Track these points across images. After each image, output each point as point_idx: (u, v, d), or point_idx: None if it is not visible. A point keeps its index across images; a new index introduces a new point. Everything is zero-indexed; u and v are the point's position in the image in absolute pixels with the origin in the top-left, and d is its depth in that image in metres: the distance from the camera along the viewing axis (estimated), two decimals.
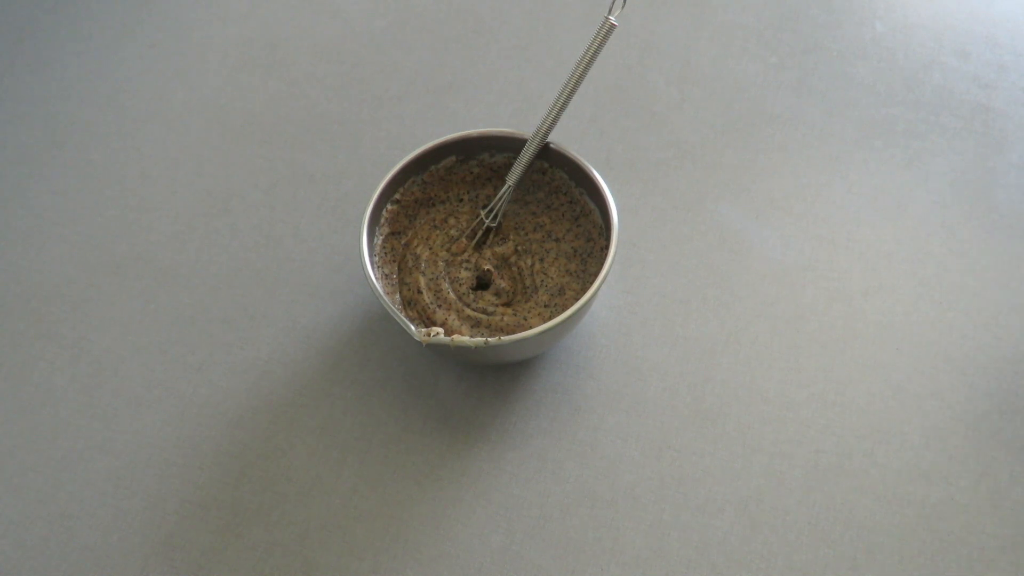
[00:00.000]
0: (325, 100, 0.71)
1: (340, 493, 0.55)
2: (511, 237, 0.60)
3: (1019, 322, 0.59)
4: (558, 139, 0.59)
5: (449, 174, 0.60)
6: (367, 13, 0.76)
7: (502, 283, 0.58)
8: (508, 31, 0.74)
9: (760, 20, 0.74)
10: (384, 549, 0.53)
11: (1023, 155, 0.66)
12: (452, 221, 0.60)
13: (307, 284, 0.62)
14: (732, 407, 0.57)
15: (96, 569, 0.53)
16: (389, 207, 0.59)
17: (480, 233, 0.59)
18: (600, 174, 0.57)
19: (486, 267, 0.58)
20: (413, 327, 0.51)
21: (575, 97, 0.57)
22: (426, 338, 0.51)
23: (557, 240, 0.59)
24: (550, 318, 0.55)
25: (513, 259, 0.59)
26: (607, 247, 0.54)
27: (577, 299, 0.53)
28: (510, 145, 0.59)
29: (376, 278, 0.54)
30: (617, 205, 0.56)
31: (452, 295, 0.57)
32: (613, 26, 0.54)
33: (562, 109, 0.56)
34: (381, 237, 0.58)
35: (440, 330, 0.52)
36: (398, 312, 0.52)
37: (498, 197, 0.58)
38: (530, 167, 0.59)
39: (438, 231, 0.60)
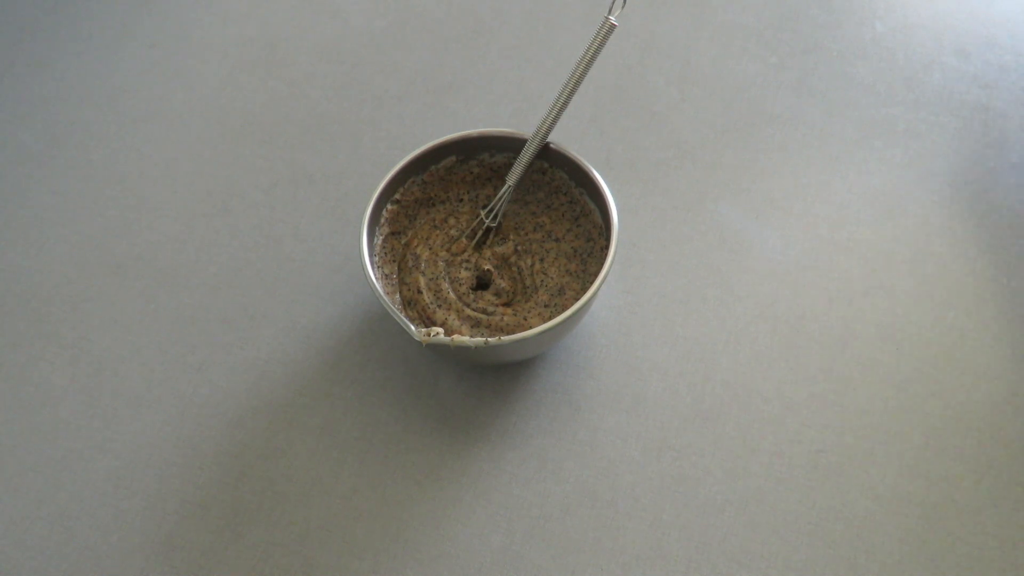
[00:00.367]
0: (325, 100, 0.71)
1: (340, 493, 0.55)
2: (511, 237, 0.60)
3: (1019, 322, 0.59)
4: (558, 139, 0.59)
5: (449, 174, 0.60)
6: (367, 13, 0.76)
7: (502, 283, 0.58)
8: (508, 31, 0.74)
9: (760, 20, 0.74)
10: (384, 549, 0.53)
11: (1023, 155, 0.66)
12: (452, 221, 0.60)
13: (307, 284, 0.62)
14: (732, 407, 0.57)
15: (96, 569, 0.53)
16: (389, 207, 0.59)
17: (480, 233, 0.59)
18: (600, 174, 0.57)
19: (486, 267, 0.58)
20: (413, 327, 0.51)
21: (575, 97, 0.57)
22: (426, 338, 0.51)
23: (557, 240, 0.59)
24: (550, 318, 0.55)
25: (513, 259, 0.59)
26: (607, 247, 0.54)
27: (577, 299, 0.53)
28: (510, 145, 0.59)
29: (376, 278, 0.54)
30: (617, 205, 0.56)
31: (452, 295, 0.57)
32: (613, 26, 0.54)
33: (562, 109, 0.56)
34: (381, 237, 0.58)
35: (440, 330, 0.52)
36: (398, 312, 0.52)
37: (498, 197, 0.58)
38: (530, 167, 0.59)
39: (438, 231, 0.60)
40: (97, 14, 0.76)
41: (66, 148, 0.69)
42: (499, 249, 0.59)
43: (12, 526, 0.54)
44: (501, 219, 0.60)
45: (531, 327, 0.54)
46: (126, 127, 0.70)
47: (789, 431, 0.56)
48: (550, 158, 0.59)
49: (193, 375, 0.59)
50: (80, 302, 0.62)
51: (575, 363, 0.59)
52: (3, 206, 0.66)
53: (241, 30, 0.75)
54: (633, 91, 0.71)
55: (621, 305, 0.61)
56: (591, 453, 0.56)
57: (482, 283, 0.58)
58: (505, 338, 0.50)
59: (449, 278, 0.58)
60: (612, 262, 0.53)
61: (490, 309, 0.56)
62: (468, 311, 0.56)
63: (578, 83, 0.56)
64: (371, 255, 0.56)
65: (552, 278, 0.58)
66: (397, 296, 0.57)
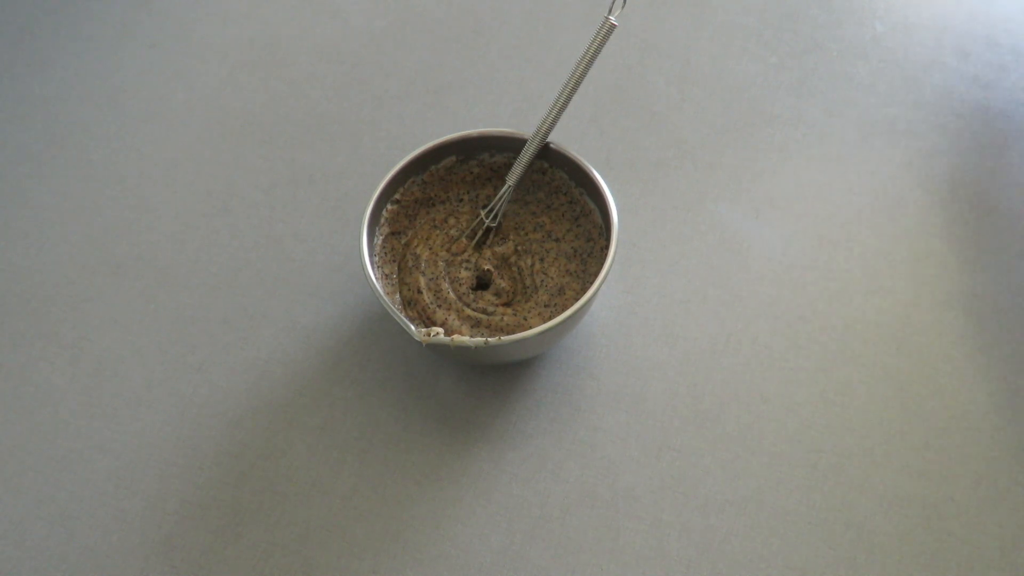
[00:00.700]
0: (325, 100, 0.71)
1: (340, 493, 0.55)
2: (511, 237, 0.60)
3: (1019, 322, 0.59)
4: (558, 139, 0.59)
5: (449, 174, 0.60)
6: (367, 13, 0.76)
7: (502, 283, 0.58)
8: (508, 31, 0.74)
9: (760, 20, 0.74)
10: (384, 549, 0.53)
11: (1023, 155, 0.66)
12: (452, 221, 0.60)
13: (307, 284, 0.62)
14: (732, 407, 0.57)
15: (96, 569, 0.53)
16: (389, 207, 0.59)
17: (480, 233, 0.59)
18: (600, 174, 0.57)
19: (486, 267, 0.58)
20: (413, 327, 0.51)
21: (575, 97, 0.57)
22: (426, 338, 0.51)
23: (557, 240, 0.59)
24: (550, 318, 0.55)
25: (513, 259, 0.59)
26: (607, 247, 0.54)
27: (577, 299, 0.53)
28: (510, 145, 0.59)
29: (376, 278, 0.54)
30: (617, 205, 0.56)
31: (452, 295, 0.57)
32: (613, 26, 0.54)
33: (562, 109, 0.56)
34: (381, 237, 0.58)
35: (440, 330, 0.52)
36: (398, 312, 0.52)
37: (498, 197, 0.58)
38: (530, 167, 0.59)
39: (438, 231, 0.60)
40: (97, 14, 0.76)
41: (66, 148, 0.69)
42: (499, 249, 0.59)
43: (12, 526, 0.54)
44: (501, 219, 0.60)
45: (531, 327, 0.54)
46: (126, 127, 0.70)
47: (789, 431, 0.56)
48: (550, 158, 0.59)
49: (193, 375, 0.59)
50: (80, 302, 0.62)
51: (575, 363, 0.59)
52: (3, 206, 0.66)
53: (241, 30, 0.75)
54: (633, 91, 0.71)
55: (621, 305, 0.61)
56: (591, 453, 0.56)
57: (482, 283, 0.58)
58: (505, 338, 0.50)
59: (449, 278, 0.58)
60: (612, 262, 0.53)
61: (490, 309, 0.56)
62: (468, 311, 0.56)
63: (578, 83, 0.56)
64: (371, 255, 0.56)
65: (552, 278, 0.58)
66: (397, 296, 0.57)
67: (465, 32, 0.74)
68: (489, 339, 0.50)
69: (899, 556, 0.52)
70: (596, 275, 0.53)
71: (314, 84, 0.72)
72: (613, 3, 0.55)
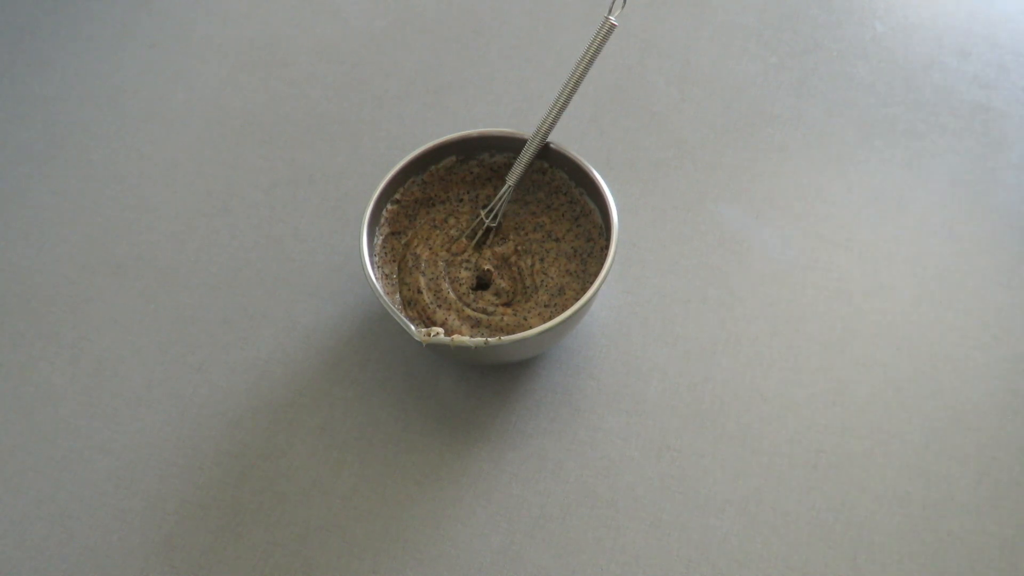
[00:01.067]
0: (325, 100, 0.71)
1: (340, 493, 0.55)
2: (511, 237, 0.60)
3: (1019, 322, 0.59)
4: (558, 139, 0.59)
5: (449, 174, 0.60)
6: (367, 13, 0.76)
7: (502, 283, 0.58)
8: (508, 31, 0.74)
9: (760, 20, 0.74)
10: (384, 549, 0.53)
11: (1023, 155, 0.66)
12: (452, 221, 0.60)
13: (307, 284, 0.62)
14: (732, 407, 0.57)
15: (96, 569, 0.53)
16: (389, 207, 0.59)
17: (480, 233, 0.59)
18: (600, 174, 0.57)
19: (486, 267, 0.58)
20: (413, 327, 0.51)
21: (575, 97, 0.57)
22: (426, 338, 0.51)
23: (557, 240, 0.59)
24: (550, 318, 0.54)
25: (513, 259, 0.59)
26: (607, 247, 0.54)
27: (577, 299, 0.53)
28: (510, 145, 0.59)
29: (376, 278, 0.54)
30: (617, 205, 0.56)
31: (452, 295, 0.57)
32: (613, 26, 0.54)
33: (562, 109, 0.56)
34: (381, 237, 0.58)
35: (440, 330, 0.52)
36: (398, 312, 0.52)
37: (498, 197, 0.58)
38: (530, 167, 0.59)
39: (438, 231, 0.60)
40: (97, 14, 0.76)
41: (66, 148, 0.69)
42: (499, 249, 0.59)
43: (12, 526, 0.54)
44: (501, 219, 0.60)
45: (531, 327, 0.54)
46: (126, 127, 0.70)
47: (789, 431, 0.56)
48: (550, 158, 0.59)
49: (193, 375, 0.59)
50: (80, 302, 0.62)
51: (575, 363, 0.59)
52: (3, 206, 0.66)
53: (241, 30, 0.75)
54: (633, 91, 0.71)
55: (621, 305, 0.61)
56: (591, 453, 0.56)
57: (482, 283, 0.58)
58: (505, 338, 0.50)
59: (449, 278, 0.58)
60: (612, 262, 0.53)
61: (490, 309, 0.56)
62: (468, 311, 0.56)
63: (578, 83, 0.56)
64: (371, 255, 0.56)
65: (552, 278, 0.58)
66: (397, 296, 0.57)
67: (465, 32, 0.74)
68: (489, 339, 0.50)
69: (899, 556, 0.52)
70: (596, 275, 0.53)
71: (314, 84, 0.72)
72: (613, 3, 0.55)
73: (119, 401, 0.58)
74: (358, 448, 0.56)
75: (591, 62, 0.55)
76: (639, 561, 0.52)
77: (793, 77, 0.71)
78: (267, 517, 0.54)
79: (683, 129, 0.68)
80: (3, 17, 0.76)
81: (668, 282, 0.62)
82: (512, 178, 0.58)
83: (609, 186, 0.56)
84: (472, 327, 0.56)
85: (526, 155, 0.57)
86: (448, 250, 0.59)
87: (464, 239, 0.59)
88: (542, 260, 0.59)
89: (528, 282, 0.58)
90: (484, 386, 0.58)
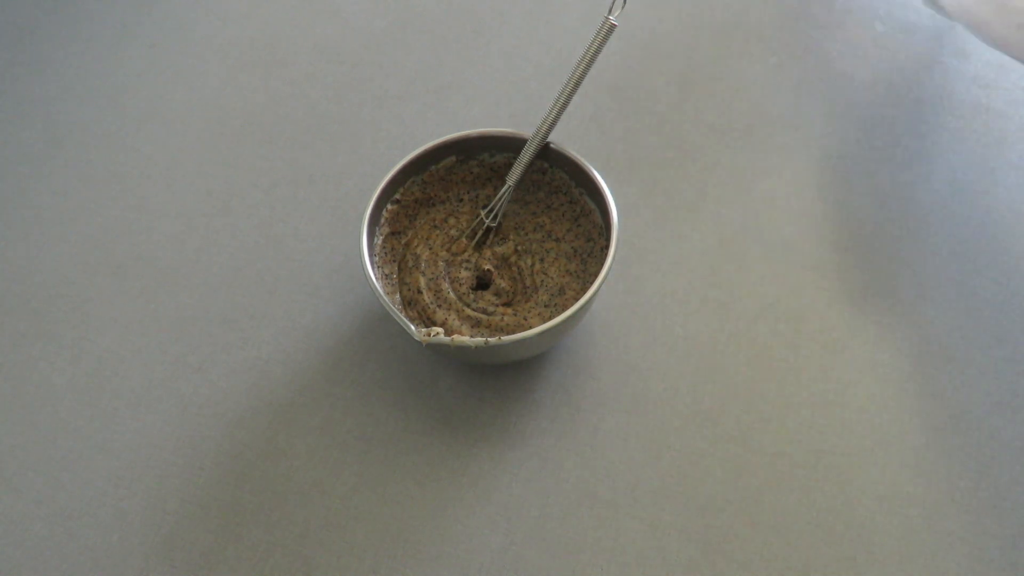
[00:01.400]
0: (325, 100, 0.71)
1: (340, 493, 0.55)
2: (511, 237, 0.60)
3: (1019, 322, 0.59)
4: (558, 139, 0.59)
5: (449, 174, 0.60)
6: (367, 13, 0.76)
7: (502, 283, 0.58)
8: (508, 31, 0.74)
9: (760, 20, 0.74)
10: (384, 549, 0.53)
11: (1023, 155, 0.66)
12: (452, 221, 0.60)
13: (307, 284, 0.62)
14: (732, 407, 0.57)
15: (96, 569, 0.53)
16: (389, 207, 0.59)
17: (480, 233, 0.59)
18: (600, 174, 0.57)
19: (486, 267, 0.58)
20: (413, 327, 0.51)
21: (575, 97, 0.57)
22: (426, 338, 0.51)
23: (557, 240, 0.59)
24: (550, 318, 0.54)
25: (513, 259, 0.59)
26: (607, 247, 0.54)
27: (577, 299, 0.53)
28: (510, 145, 0.59)
29: (376, 278, 0.54)
30: (617, 205, 0.56)
31: (452, 295, 0.57)
32: (613, 26, 0.54)
33: (562, 109, 0.56)
34: (381, 237, 0.58)
35: (440, 330, 0.52)
36: (398, 312, 0.52)
37: (498, 197, 0.58)
38: (530, 167, 0.59)
39: (438, 231, 0.60)
40: (97, 14, 0.76)
41: (66, 148, 0.69)
42: (499, 249, 0.59)
43: (12, 526, 0.54)
44: (501, 219, 0.60)
45: (531, 327, 0.54)
46: (126, 127, 0.70)
47: (789, 431, 0.56)
48: (550, 158, 0.59)
49: (193, 375, 0.59)
50: (80, 302, 0.62)
51: (575, 363, 0.59)
52: (3, 206, 0.66)
53: (241, 30, 0.75)
54: (633, 91, 0.71)
55: (621, 305, 0.61)
56: (591, 453, 0.56)
57: (482, 283, 0.58)
58: (505, 338, 0.50)
59: (449, 278, 0.58)
60: (612, 262, 0.53)
61: (490, 309, 0.56)
62: (468, 311, 0.56)
63: (578, 83, 0.56)
64: (371, 255, 0.56)
65: (552, 278, 0.58)
66: (397, 296, 0.57)
67: (465, 32, 0.74)
68: (489, 339, 0.50)
69: (899, 556, 0.52)
70: (596, 275, 0.53)
71: (314, 84, 0.72)
72: (613, 3, 0.55)
73: (119, 401, 0.58)
74: (358, 448, 0.56)
75: (591, 62, 0.55)
76: (639, 561, 0.52)
77: (793, 77, 0.71)
78: (267, 517, 0.54)
79: (683, 129, 0.68)
80: (3, 17, 0.76)
81: (668, 282, 0.62)
82: (512, 178, 0.58)
83: (609, 186, 0.56)
84: (472, 327, 0.56)
85: (526, 155, 0.57)
86: (448, 250, 0.59)
87: (464, 239, 0.59)
88: (542, 260, 0.59)
89: (528, 282, 0.58)
90: (484, 386, 0.58)
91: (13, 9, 0.76)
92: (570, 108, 0.57)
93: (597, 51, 0.55)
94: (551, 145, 0.58)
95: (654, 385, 0.58)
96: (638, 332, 0.60)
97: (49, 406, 0.58)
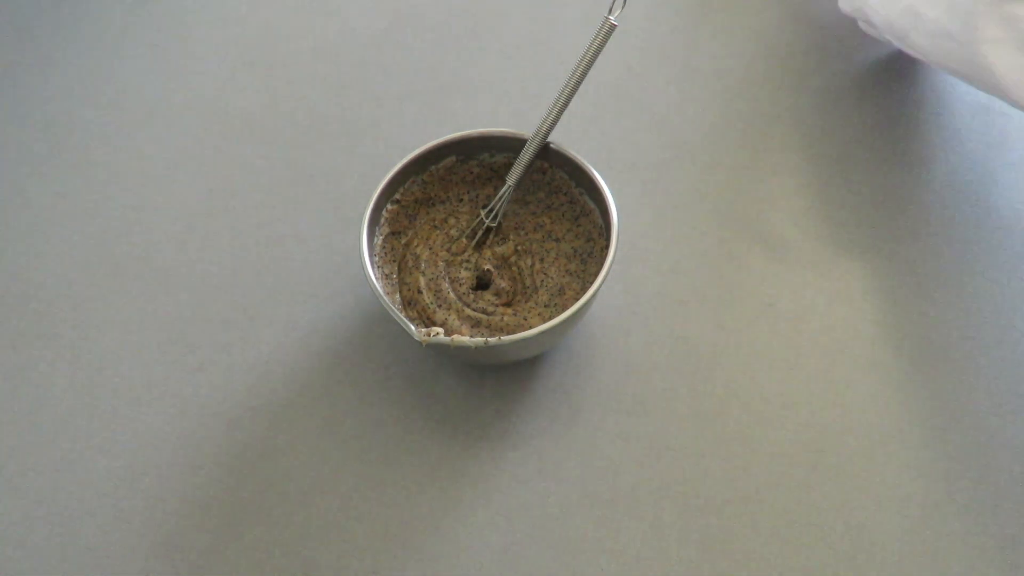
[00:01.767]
0: (325, 100, 0.71)
1: (340, 493, 0.55)
2: (511, 237, 0.60)
3: (1020, 322, 0.59)
4: (558, 139, 0.59)
5: (449, 174, 0.60)
6: (367, 13, 0.76)
7: (502, 283, 0.58)
8: (508, 31, 0.74)
9: (760, 20, 0.74)
10: (384, 549, 0.53)
11: (1023, 155, 0.66)
12: (452, 221, 0.60)
13: (307, 284, 0.62)
14: (732, 407, 0.57)
15: (96, 569, 0.53)
16: (389, 207, 0.59)
17: (480, 233, 0.59)
18: (600, 174, 0.57)
19: (486, 267, 0.58)
20: (413, 327, 0.51)
21: (575, 97, 0.57)
22: (426, 338, 0.51)
23: (557, 240, 0.59)
24: (550, 318, 0.54)
25: (513, 259, 0.59)
26: (607, 247, 0.54)
27: (577, 299, 0.53)
28: (510, 145, 0.59)
29: (376, 278, 0.54)
30: (617, 205, 0.56)
31: (452, 295, 0.57)
32: (613, 26, 0.54)
33: (562, 109, 0.56)
34: (381, 237, 0.58)
35: (440, 330, 0.52)
36: (398, 312, 0.52)
37: (498, 197, 0.58)
38: (530, 167, 0.59)
39: (438, 231, 0.60)
40: (97, 14, 0.76)
41: (66, 148, 0.69)
42: (499, 249, 0.59)
43: (12, 526, 0.54)
44: (501, 219, 0.60)
45: (531, 327, 0.54)
46: (126, 127, 0.70)
47: (789, 431, 0.56)
48: (550, 158, 0.59)
49: (193, 375, 0.59)
50: (80, 302, 0.62)
51: (575, 363, 0.59)
52: (3, 206, 0.66)
53: (241, 30, 0.75)
54: (633, 91, 0.71)
55: (621, 305, 0.61)
56: (591, 453, 0.56)
57: (482, 283, 0.58)
58: (505, 338, 0.50)
59: (449, 278, 0.58)
60: (612, 262, 0.53)
61: (490, 309, 0.56)
62: (468, 311, 0.56)
63: (578, 83, 0.56)
64: (371, 255, 0.56)
65: (552, 278, 0.58)
66: (397, 296, 0.57)
67: (465, 32, 0.74)
68: (489, 339, 0.50)
69: (899, 556, 0.52)
70: (596, 275, 0.53)
71: (314, 84, 0.72)
72: (613, 3, 0.55)
73: (119, 401, 0.58)
74: (358, 448, 0.56)
75: (591, 62, 0.55)
76: (639, 561, 0.52)
77: (793, 77, 0.71)
78: (267, 517, 0.54)
79: (683, 129, 0.68)
80: (3, 17, 0.76)
81: (668, 282, 0.62)
82: (512, 178, 0.58)
83: (609, 186, 0.56)
84: (472, 327, 0.56)
85: (526, 155, 0.57)
86: (448, 250, 0.59)
87: (464, 239, 0.59)
88: (542, 260, 0.59)
89: (528, 282, 0.58)
90: (484, 386, 0.58)
91: (13, 9, 0.76)
92: (570, 108, 0.57)
93: (597, 51, 0.55)
94: (551, 145, 0.58)
95: (654, 385, 0.58)
96: (638, 332, 0.60)
97: (49, 406, 0.58)
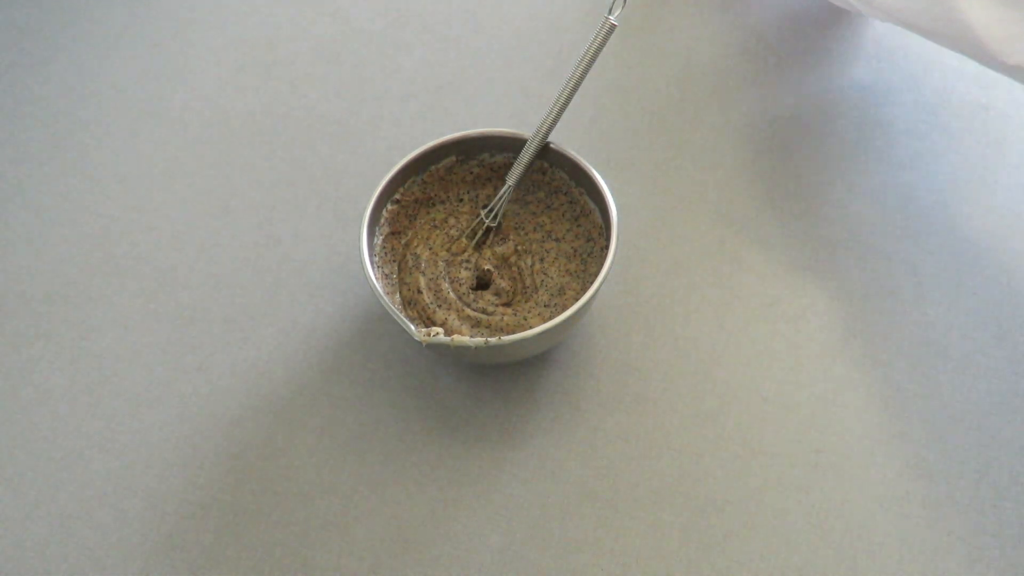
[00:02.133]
0: (325, 100, 0.71)
1: (340, 493, 0.55)
2: (511, 237, 0.60)
3: (1019, 322, 0.59)
4: (558, 139, 0.59)
5: (449, 174, 0.60)
6: (367, 13, 0.76)
7: (502, 283, 0.58)
8: (508, 31, 0.74)
9: (760, 20, 0.74)
10: (384, 549, 0.53)
11: (1023, 155, 0.66)
12: (452, 221, 0.60)
13: (307, 284, 0.62)
14: (732, 407, 0.57)
15: (96, 569, 0.53)
16: (389, 207, 0.59)
17: (480, 233, 0.59)
18: (600, 174, 0.57)
19: (486, 267, 0.58)
20: (413, 327, 0.51)
21: (575, 97, 0.57)
22: (426, 338, 0.51)
23: (557, 240, 0.59)
24: (550, 318, 0.54)
25: (513, 259, 0.59)
26: (607, 247, 0.54)
27: (577, 299, 0.53)
28: (510, 145, 0.59)
29: (376, 278, 0.54)
30: (617, 205, 0.56)
31: (452, 295, 0.57)
32: (613, 26, 0.54)
33: (562, 109, 0.56)
34: (381, 237, 0.58)
35: (440, 330, 0.52)
36: (398, 312, 0.52)
37: (498, 197, 0.58)
38: (530, 167, 0.59)
39: (438, 231, 0.60)
40: (97, 14, 0.76)
41: (66, 148, 0.69)
42: (499, 249, 0.59)
43: (12, 526, 0.54)
44: (501, 219, 0.60)
45: (531, 327, 0.54)
46: (126, 127, 0.70)
47: (789, 431, 0.56)
48: (550, 158, 0.59)
49: (193, 375, 0.59)
50: (80, 302, 0.62)
51: (575, 363, 0.59)
52: (3, 206, 0.66)
53: (241, 30, 0.75)
54: (633, 91, 0.71)
55: (621, 305, 0.61)
56: (591, 453, 0.56)
57: (482, 283, 0.58)
58: (505, 338, 0.50)
59: (449, 278, 0.58)
60: (612, 262, 0.53)
61: (490, 309, 0.56)
62: (468, 311, 0.56)
63: (578, 83, 0.56)
64: (371, 255, 0.56)
65: (552, 278, 0.58)
66: (397, 296, 0.57)
67: (465, 32, 0.74)
68: (489, 339, 0.50)
69: (899, 556, 0.52)
70: (596, 275, 0.53)
71: (314, 84, 0.72)
72: (613, 3, 0.55)
73: (119, 401, 0.58)
74: (358, 448, 0.56)
75: (591, 62, 0.55)
76: (639, 561, 0.52)
77: (793, 77, 0.71)
78: (267, 517, 0.54)
79: (683, 129, 0.68)
80: (3, 17, 0.76)
81: (668, 282, 0.62)
82: (512, 178, 0.58)
83: (609, 186, 0.56)
84: (472, 327, 0.56)
85: (526, 155, 0.57)
86: (448, 250, 0.59)
87: (464, 239, 0.59)
88: (542, 260, 0.59)
89: (528, 282, 0.58)
90: (484, 386, 0.58)
91: (13, 9, 0.76)
92: (570, 108, 0.57)
93: (597, 51, 0.55)
94: (551, 145, 0.58)
95: (654, 385, 0.58)
96: (638, 332, 0.60)
97: (49, 406, 0.58)
